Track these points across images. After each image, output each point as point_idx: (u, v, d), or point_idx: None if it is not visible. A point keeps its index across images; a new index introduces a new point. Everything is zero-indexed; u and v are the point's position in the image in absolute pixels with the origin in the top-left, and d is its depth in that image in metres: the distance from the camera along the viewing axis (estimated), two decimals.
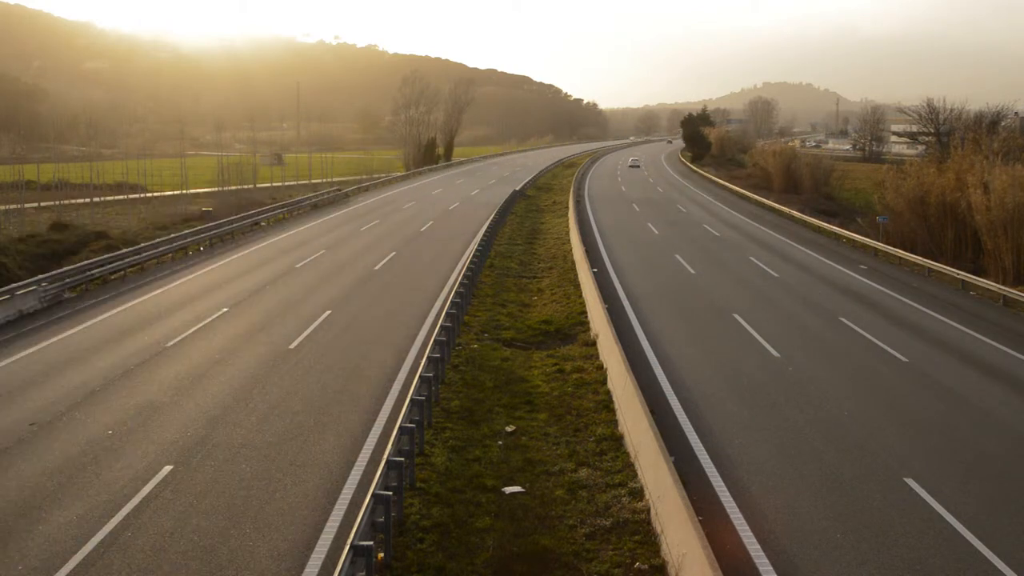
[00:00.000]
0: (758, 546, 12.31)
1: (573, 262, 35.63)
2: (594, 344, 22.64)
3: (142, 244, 35.40)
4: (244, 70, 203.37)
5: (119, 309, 26.16)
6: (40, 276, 27.79)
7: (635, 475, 14.44)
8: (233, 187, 62.44)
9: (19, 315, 24.72)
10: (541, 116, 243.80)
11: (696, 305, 28.59)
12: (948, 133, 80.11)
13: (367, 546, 10.15)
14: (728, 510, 13.43)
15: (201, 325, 24.05)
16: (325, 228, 46.16)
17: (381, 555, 11.55)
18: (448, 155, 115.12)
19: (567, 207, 55.87)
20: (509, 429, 16.81)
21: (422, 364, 18.17)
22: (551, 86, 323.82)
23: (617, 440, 16.16)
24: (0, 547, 11.84)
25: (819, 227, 52.01)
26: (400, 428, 13.96)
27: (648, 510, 13.13)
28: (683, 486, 12.16)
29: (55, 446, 15.33)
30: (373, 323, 24.85)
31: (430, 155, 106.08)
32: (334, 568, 9.97)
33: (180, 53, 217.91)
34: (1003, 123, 77.34)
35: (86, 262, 30.68)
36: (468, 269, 29.54)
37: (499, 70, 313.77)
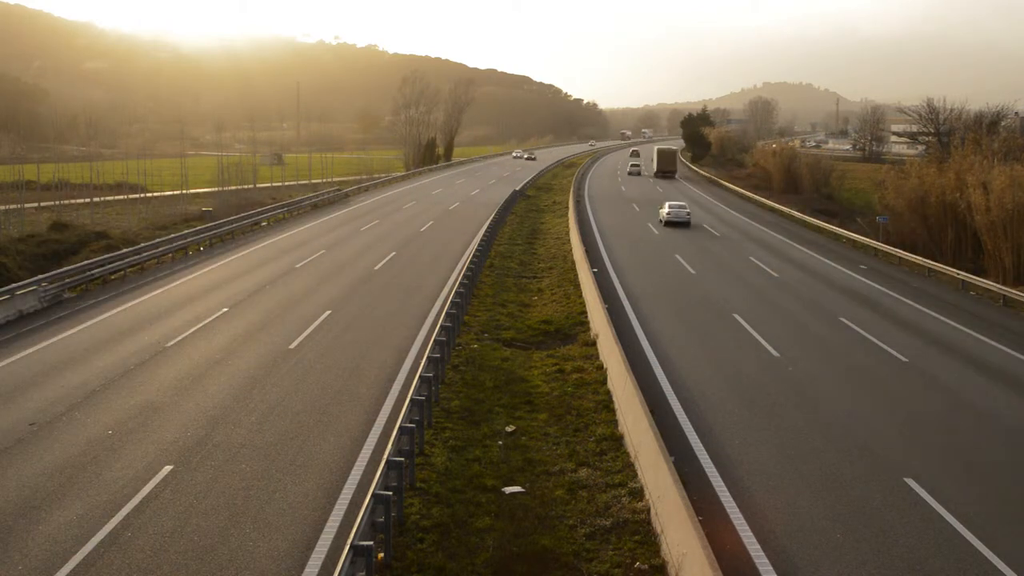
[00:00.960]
0: (758, 546, 12.31)
1: (573, 262, 35.63)
2: (594, 344, 22.65)
3: (142, 244, 35.40)
4: (244, 70, 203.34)
5: (119, 309, 26.16)
6: (40, 276, 27.79)
7: (635, 475, 14.44)
8: (233, 187, 62.45)
9: (19, 315, 24.71)
10: (541, 116, 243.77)
11: (696, 305, 28.59)
12: (948, 133, 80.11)
13: (367, 546, 10.15)
14: (728, 510, 13.43)
15: (201, 325, 24.05)
16: (325, 228, 46.16)
17: (381, 555, 11.55)
18: (448, 155, 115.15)
19: (567, 207, 55.87)
20: (509, 429, 16.81)
21: (422, 364, 18.17)
22: (551, 86, 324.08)
23: (617, 440, 16.16)
24: (0, 547, 11.84)
25: (819, 227, 52.02)
26: (400, 428, 13.96)
27: (648, 510, 13.13)
28: (683, 486, 12.16)
29: (55, 446, 15.33)
30: (373, 323, 24.85)
31: (430, 155, 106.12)
32: (334, 568, 9.97)
33: (180, 53, 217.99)
34: (1003, 123, 77.32)
35: (86, 262, 30.68)
36: (468, 269, 29.54)
37: (499, 70, 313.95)
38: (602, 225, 50.20)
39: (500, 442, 16.14)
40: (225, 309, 26.06)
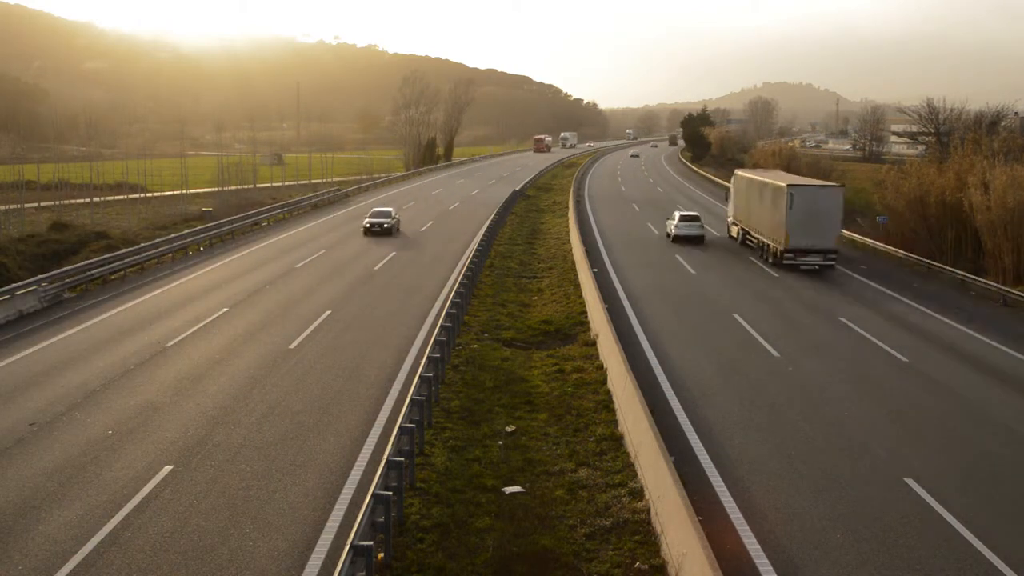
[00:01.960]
0: (758, 546, 12.31)
1: (573, 262, 35.63)
2: (594, 344, 22.64)
3: (142, 244, 35.42)
4: (244, 70, 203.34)
5: (119, 309, 26.16)
6: (40, 276, 27.81)
7: (635, 475, 14.44)
8: (233, 187, 62.46)
9: (19, 315, 24.72)
10: (541, 116, 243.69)
11: (696, 305, 28.58)
12: (948, 133, 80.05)
13: (367, 546, 10.15)
14: (728, 510, 13.44)
15: (201, 325, 24.05)
16: (325, 228, 46.17)
17: (381, 555, 11.55)
18: (448, 155, 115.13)
19: (567, 207, 55.86)
20: (509, 429, 16.81)
21: (422, 364, 18.17)
22: (551, 86, 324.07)
23: (617, 440, 16.16)
24: (0, 547, 11.84)
25: None
26: (400, 428, 13.96)
27: (648, 510, 13.13)
28: (683, 486, 12.16)
29: (55, 446, 15.34)
30: (373, 323, 24.85)
31: (430, 155, 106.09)
32: (334, 568, 9.97)
33: (180, 53, 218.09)
34: (1003, 123, 77.20)
35: (86, 262, 30.71)
36: (468, 269, 29.54)
37: (499, 70, 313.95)
38: (602, 225, 50.19)
39: (500, 442, 16.14)
40: (225, 309, 26.06)
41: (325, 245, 39.68)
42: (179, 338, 22.63)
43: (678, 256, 38.73)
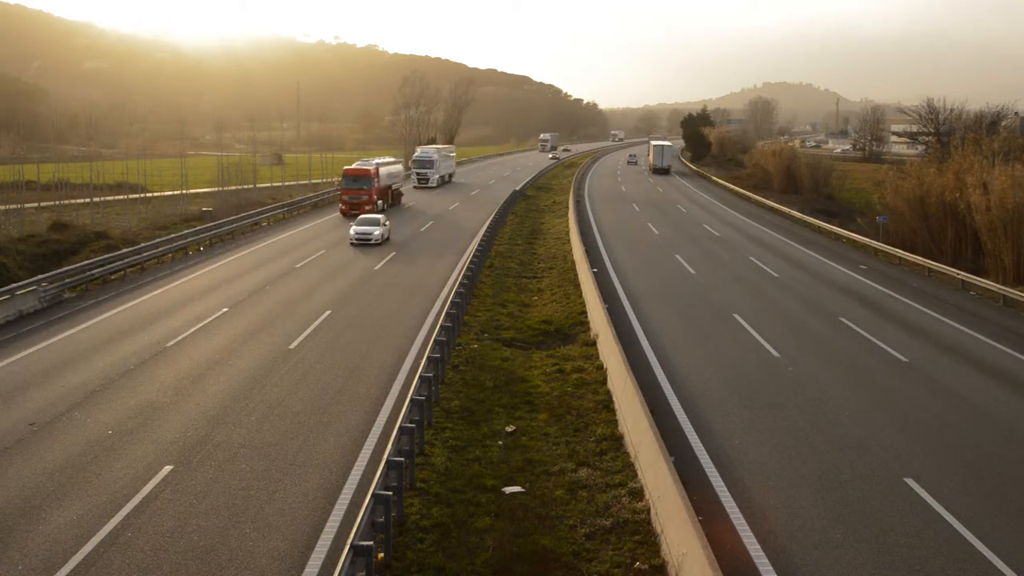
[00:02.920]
0: (758, 546, 12.31)
1: (573, 262, 35.63)
2: (594, 344, 22.65)
3: (142, 244, 35.40)
4: (244, 70, 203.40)
5: (119, 309, 26.16)
6: (40, 276, 27.79)
7: (635, 475, 14.44)
8: (233, 187, 62.43)
9: (19, 315, 24.72)
10: (541, 116, 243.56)
11: (696, 305, 28.59)
12: (948, 133, 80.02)
13: (367, 546, 10.15)
14: (728, 510, 13.44)
15: (201, 325, 24.05)
16: (325, 228, 46.14)
17: (381, 555, 11.55)
18: None
19: (567, 207, 55.87)
20: (509, 429, 16.81)
21: (422, 364, 18.18)
22: (551, 86, 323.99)
23: (617, 440, 16.16)
24: (0, 547, 11.84)
25: (819, 227, 52.02)
26: (400, 428, 13.96)
27: (648, 510, 13.13)
28: (683, 486, 12.16)
29: (55, 446, 15.34)
30: (373, 323, 24.85)
31: None
32: (334, 568, 9.98)
33: (180, 53, 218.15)
34: (1003, 123, 77.23)
35: (86, 262, 30.69)
36: (468, 269, 29.54)
37: (499, 70, 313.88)
38: (602, 225, 50.19)
39: (500, 442, 16.14)
40: (225, 309, 26.06)
41: (325, 245, 39.68)
42: (179, 338, 22.63)
43: (678, 256, 38.74)
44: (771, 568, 11.74)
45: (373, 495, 11.45)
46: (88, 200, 49.93)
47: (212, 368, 20.14)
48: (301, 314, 25.59)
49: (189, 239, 37.33)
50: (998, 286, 32.08)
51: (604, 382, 19.44)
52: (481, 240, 37.53)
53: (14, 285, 25.74)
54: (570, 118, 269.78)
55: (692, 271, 35.12)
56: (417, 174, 70.67)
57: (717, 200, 70.50)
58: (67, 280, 28.11)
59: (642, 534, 12.61)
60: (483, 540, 12.40)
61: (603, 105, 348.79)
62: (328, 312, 25.86)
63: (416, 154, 72.90)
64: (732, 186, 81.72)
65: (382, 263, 34.85)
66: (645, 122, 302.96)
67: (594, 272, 30.42)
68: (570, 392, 19.07)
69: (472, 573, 11.57)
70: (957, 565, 12.00)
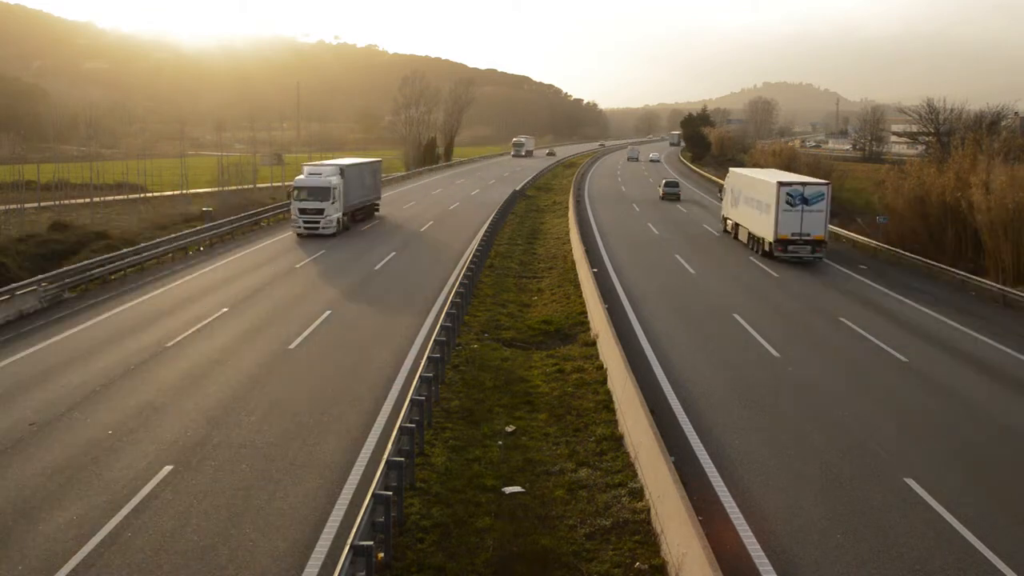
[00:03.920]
0: (758, 546, 12.31)
1: (573, 262, 35.62)
2: (594, 344, 22.64)
3: (142, 244, 35.38)
4: (244, 70, 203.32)
5: (119, 309, 26.16)
6: (40, 276, 27.78)
7: (635, 475, 14.44)
8: (233, 187, 62.40)
9: (19, 315, 24.72)
10: (541, 116, 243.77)
11: (696, 305, 28.59)
12: (948, 133, 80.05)
13: (367, 546, 10.15)
14: (728, 510, 13.44)
15: (201, 325, 24.05)
16: None
17: (381, 555, 11.54)
18: (448, 155, 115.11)
19: (567, 207, 55.86)
20: (509, 429, 16.81)
21: (422, 364, 18.18)
22: (551, 86, 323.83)
23: (617, 440, 16.16)
24: (0, 547, 11.84)
25: None
26: (400, 428, 13.96)
27: (648, 510, 13.13)
28: (683, 486, 12.16)
29: (55, 446, 15.34)
30: (373, 323, 24.85)
31: (430, 155, 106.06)
32: (334, 568, 9.97)
33: (180, 53, 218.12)
34: (1003, 123, 77.24)
35: (86, 262, 30.68)
36: (468, 269, 29.54)
37: (499, 70, 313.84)
38: (602, 225, 50.19)
39: (500, 442, 16.14)
40: (225, 309, 26.06)
41: (325, 245, 39.66)
42: (179, 338, 22.63)
43: (678, 256, 38.74)
44: (771, 568, 11.74)
45: (373, 495, 11.45)
46: (88, 200, 49.97)
47: (212, 368, 20.13)
48: (301, 314, 25.58)
49: (189, 239, 37.32)
50: (998, 286, 32.08)
51: (604, 382, 19.43)
52: (481, 240, 37.52)
53: (14, 285, 25.73)
54: (570, 118, 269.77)
55: (692, 271, 35.12)
56: (300, 211, 41.14)
57: (717, 200, 70.48)
58: (67, 280, 28.10)
59: (642, 534, 12.61)
60: (483, 540, 12.40)
61: (603, 105, 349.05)
62: (328, 312, 25.86)
63: (298, 177, 42.70)
64: None
65: (382, 263, 34.85)
66: (645, 122, 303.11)
67: (594, 272, 30.42)
68: (570, 392, 19.06)
69: (472, 573, 11.57)
70: (957, 565, 11.99)
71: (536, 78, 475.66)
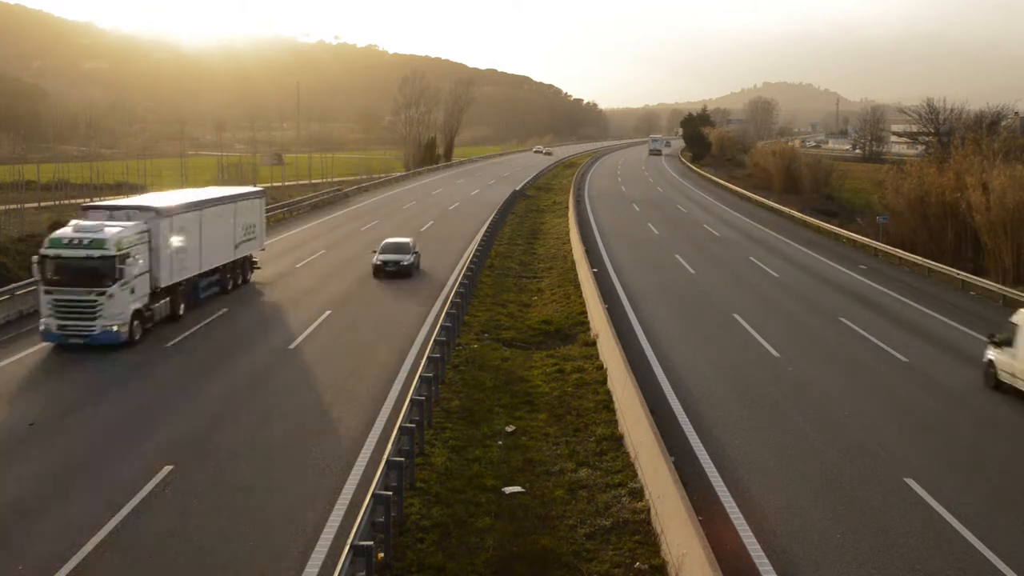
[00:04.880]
0: (758, 546, 12.31)
1: (573, 262, 35.62)
2: (594, 344, 22.64)
3: None
4: (244, 70, 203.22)
5: None
6: None
7: (635, 475, 14.44)
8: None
9: (19, 315, 24.71)
10: (541, 116, 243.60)
11: (696, 305, 28.59)
12: (948, 133, 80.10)
13: (367, 546, 10.15)
14: (728, 510, 13.44)
15: (201, 325, 24.03)
16: (325, 228, 46.15)
17: (381, 555, 11.54)
18: (448, 155, 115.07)
19: (567, 207, 55.85)
20: (509, 429, 16.81)
21: (422, 364, 18.17)
22: (551, 86, 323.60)
23: (617, 440, 16.16)
24: (0, 547, 11.84)
25: (819, 227, 52.03)
26: (400, 428, 13.95)
27: (648, 510, 13.12)
28: (683, 486, 12.16)
29: (55, 446, 15.33)
30: (373, 323, 24.85)
31: (430, 155, 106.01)
32: (334, 568, 9.97)
33: (180, 53, 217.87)
34: (1003, 123, 77.28)
35: None
36: (468, 269, 29.54)
37: (499, 70, 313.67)
38: (602, 225, 50.20)
39: (500, 442, 16.14)
40: (225, 309, 26.05)
41: (325, 245, 39.67)
42: (179, 338, 22.62)
43: (678, 256, 38.74)
44: (771, 568, 11.73)
45: (373, 495, 11.45)
46: (88, 200, 49.89)
47: (212, 367, 20.13)
48: (301, 314, 25.58)
49: None
50: (998, 286, 32.08)
51: (604, 382, 19.43)
52: (481, 240, 37.51)
53: (14, 285, 25.73)
54: (570, 118, 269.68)
55: (692, 271, 35.12)
56: (55, 306, 21.22)
57: (717, 200, 70.51)
58: None
59: (642, 534, 12.61)
60: (483, 540, 12.40)
61: (603, 105, 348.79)
62: (328, 312, 25.86)
63: (58, 234, 22.37)
64: (732, 186, 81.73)
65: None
66: (645, 122, 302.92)
67: (594, 272, 30.42)
68: (570, 392, 19.06)
69: (472, 573, 11.57)
70: (957, 565, 11.99)
71: (536, 78, 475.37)
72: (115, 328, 21.12)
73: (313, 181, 75.69)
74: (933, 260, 38.19)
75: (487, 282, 31.85)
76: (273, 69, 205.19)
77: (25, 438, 15.65)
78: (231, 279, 28.47)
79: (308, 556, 11.71)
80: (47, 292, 21.25)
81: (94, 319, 21.03)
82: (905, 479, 14.73)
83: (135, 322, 21.70)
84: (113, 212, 23.72)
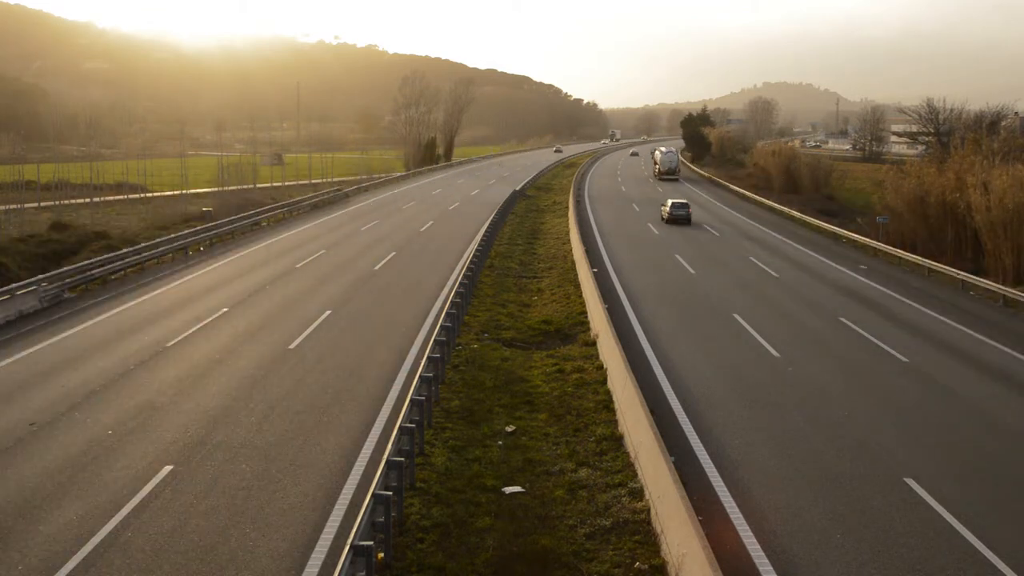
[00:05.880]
0: (758, 546, 12.31)
1: (573, 262, 35.63)
2: (594, 344, 22.64)
3: (142, 244, 35.38)
4: (244, 70, 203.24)
5: (119, 309, 26.15)
6: (40, 276, 27.77)
7: (635, 475, 14.44)
8: (233, 187, 62.45)
9: (19, 315, 24.71)
10: (541, 116, 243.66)
11: (696, 305, 28.58)
12: (948, 133, 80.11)
13: (367, 546, 10.15)
14: (728, 510, 13.43)
15: (201, 325, 24.04)
16: (325, 228, 46.16)
17: (381, 555, 11.54)
18: (448, 155, 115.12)
19: (567, 207, 55.87)
20: (509, 429, 16.81)
21: (422, 364, 18.17)
22: (551, 86, 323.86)
23: (617, 440, 16.16)
24: (0, 547, 11.84)
25: (819, 227, 52.03)
26: (400, 428, 13.95)
27: (648, 510, 13.12)
28: (683, 486, 12.16)
29: (55, 446, 15.33)
30: (373, 323, 24.85)
31: (430, 155, 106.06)
32: (334, 568, 9.97)
33: (180, 53, 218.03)
34: (1003, 123, 77.31)
35: (86, 262, 30.67)
36: (468, 269, 29.54)
37: (499, 70, 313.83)
38: (602, 225, 50.20)
39: (500, 442, 16.14)
40: (225, 309, 26.05)
41: (325, 245, 39.68)
42: (179, 338, 22.62)
43: (678, 256, 38.74)
44: (771, 568, 11.73)
45: (373, 495, 11.45)
46: (88, 200, 49.96)
47: (212, 368, 20.13)
48: (301, 314, 25.58)
49: (189, 239, 37.32)
50: (998, 286, 32.07)
51: (604, 382, 19.43)
52: (481, 240, 37.51)
53: (14, 285, 25.72)
54: (570, 118, 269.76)
55: (692, 271, 35.12)
56: None
57: (717, 200, 70.51)
58: (67, 280, 28.09)
59: (642, 534, 12.61)
60: (483, 540, 12.40)
61: (603, 105, 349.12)
62: (328, 312, 25.85)
63: None
64: (732, 186, 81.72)
65: (382, 263, 34.85)
66: (645, 122, 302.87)
67: (594, 272, 30.42)
68: (570, 392, 19.06)
69: (472, 573, 11.57)
70: (957, 565, 11.99)
71: (536, 78, 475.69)
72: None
73: (313, 181, 75.75)
74: (933, 260, 38.17)
75: (487, 282, 31.85)
76: (273, 69, 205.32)
77: (25, 438, 15.66)
78: None
79: (308, 556, 11.71)
80: None
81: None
82: (905, 479, 14.73)
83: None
84: None
